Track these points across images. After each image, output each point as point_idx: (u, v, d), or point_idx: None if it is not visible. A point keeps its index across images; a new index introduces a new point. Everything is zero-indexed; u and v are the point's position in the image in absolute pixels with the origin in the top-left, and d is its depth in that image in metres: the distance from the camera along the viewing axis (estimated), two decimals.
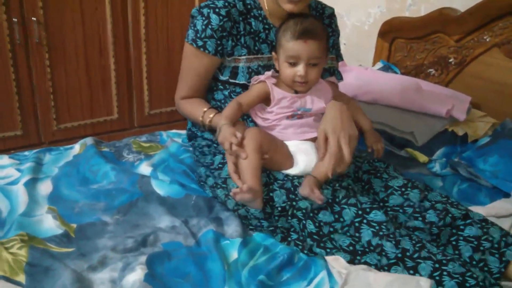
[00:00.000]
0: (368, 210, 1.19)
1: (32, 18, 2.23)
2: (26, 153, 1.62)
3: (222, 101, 1.49)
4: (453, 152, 1.80)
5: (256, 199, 1.23)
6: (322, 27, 1.36)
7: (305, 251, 1.22)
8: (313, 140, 1.37)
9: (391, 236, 1.14)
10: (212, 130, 1.46)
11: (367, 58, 2.55)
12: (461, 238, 1.21)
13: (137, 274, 1.09)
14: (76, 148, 1.66)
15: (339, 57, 1.65)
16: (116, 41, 2.50)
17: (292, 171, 1.32)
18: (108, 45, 2.49)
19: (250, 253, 1.20)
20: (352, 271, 1.12)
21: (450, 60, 2.17)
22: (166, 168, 1.56)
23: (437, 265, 1.08)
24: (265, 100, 1.40)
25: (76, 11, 2.34)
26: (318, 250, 1.20)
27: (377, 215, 1.18)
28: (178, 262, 1.16)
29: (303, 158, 1.33)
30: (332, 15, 1.60)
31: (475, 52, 2.08)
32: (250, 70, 1.43)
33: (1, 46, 2.21)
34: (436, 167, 1.71)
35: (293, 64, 1.33)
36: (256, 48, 1.44)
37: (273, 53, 1.40)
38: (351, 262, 1.17)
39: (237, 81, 1.44)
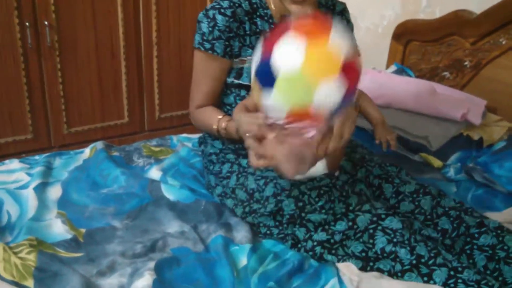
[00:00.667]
0: (383, 216, 1.17)
1: (44, 22, 2.24)
2: (37, 157, 1.62)
3: (233, 105, 1.46)
4: (468, 157, 1.77)
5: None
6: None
7: (316, 257, 1.19)
8: None
9: (406, 242, 1.12)
10: (227, 138, 1.43)
11: (381, 61, 2.52)
12: (476, 247, 1.18)
13: (145, 279, 1.07)
14: (86, 152, 1.65)
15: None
16: (127, 45, 2.50)
17: (312, 173, 1.27)
18: (120, 49, 2.49)
19: (259, 259, 1.18)
20: (363, 278, 1.10)
21: (466, 63, 2.14)
22: (176, 172, 1.55)
23: (452, 272, 1.06)
24: None
25: (88, 15, 2.35)
26: (329, 257, 1.18)
27: (392, 222, 1.15)
28: (187, 268, 1.14)
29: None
30: (343, 11, 1.56)
31: (491, 55, 2.05)
32: None
33: (13, 49, 2.22)
34: (451, 172, 1.68)
35: None
36: None
37: None
38: (363, 269, 1.15)
39: (241, 82, 1.41)
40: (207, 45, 1.39)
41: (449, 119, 1.85)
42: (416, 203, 1.28)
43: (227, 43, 1.38)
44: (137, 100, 2.65)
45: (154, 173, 1.53)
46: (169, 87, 2.70)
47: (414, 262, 1.09)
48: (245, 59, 1.41)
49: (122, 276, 1.11)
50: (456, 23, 2.12)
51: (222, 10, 1.36)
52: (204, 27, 1.39)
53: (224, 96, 1.49)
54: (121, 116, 2.63)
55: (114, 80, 2.53)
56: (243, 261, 1.18)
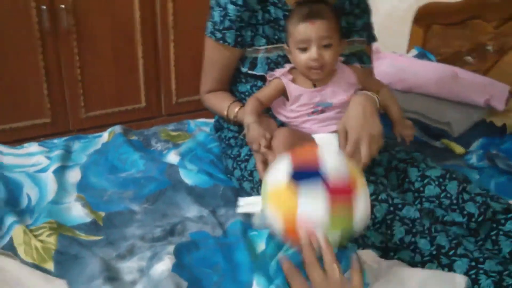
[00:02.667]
0: (400, 206, 1.15)
1: (61, 6, 2.24)
2: (55, 140, 1.63)
3: (246, 93, 1.44)
4: (491, 143, 1.74)
5: None
6: (330, 8, 1.28)
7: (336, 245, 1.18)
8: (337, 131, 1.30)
9: (426, 232, 1.10)
10: (238, 125, 1.44)
11: (401, 44, 2.47)
12: (501, 233, 1.16)
13: (165, 263, 1.07)
14: (105, 136, 1.65)
15: (371, 38, 1.57)
16: (144, 29, 2.48)
17: None
18: (136, 33, 2.48)
19: (278, 245, 1.17)
20: (384, 266, 1.08)
21: (488, 48, 2.09)
22: (194, 157, 1.55)
23: (473, 263, 1.04)
24: (285, 93, 1.33)
25: None
26: (349, 244, 1.17)
27: (409, 211, 1.14)
28: (205, 252, 1.14)
29: (328, 154, 1.26)
30: None
31: None
32: (269, 61, 1.38)
33: (30, 34, 2.22)
34: (473, 159, 1.65)
35: (305, 50, 1.26)
36: (276, 37, 1.38)
37: (284, 46, 1.34)
38: (383, 257, 1.14)
39: (255, 73, 1.39)
40: (218, 35, 1.37)
41: (472, 105, 1.82)
42: (443, 187, 1.26)
43: (238, 33, 1.36)
44: (154, 84, 2.64)
45: (172, 157, 1.53)
46: (186, 72, 2.68)
47: (434, 252, 1.08)
48: (259, 48, 1.38)
49: (141, 260, 1.11)
50: (479, 6, 2.08)
51: (234, 0, 1.34)
52: (216, 15, 1.37)
53: (240, 84, 1.47)
54: (138, 101, 2.63)
55: (131, 64, 2.52)
56: (261, 246, 1.17)
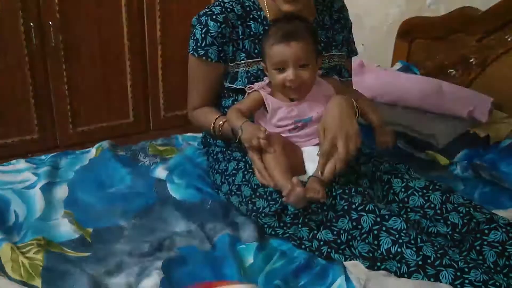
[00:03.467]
0: (387, 217, 1.16)
1: (49, 23, 2.24)
2: (43, 157, 1.63)
3: (228, 108, 1.45)
4: (475, 154, 1.76)
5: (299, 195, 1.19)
6: (306, 28, 1.29)
7: (323, 257, 1.19)
8: None
9: (412, 242, 1.11)
10: (224, 138, 1.45)
11: (386, 59, 2.51)
12: (485, 243, 1.16)
13: (153, 279, 1.08)
14: (93, 152, 1.66)
15: (351, 53, 1.59)
16: (132, 45, 2.50)
17: (302, 179, 1.28)
18: (124, 49, 2.49)
19: (266, 257, 1.18)
20: (371, 277, 1.09)
21: (471, 60, 2.13)
22: (182, 171, 1.55)
23: (458, 273, 1.05)
24: (265, 106, 1.34)
25: (93, 15, 2.35)
26: (336, 256, 1.18)
27: (396, 222, 1.15)
28: (194, 266, 1.14)
29: (311, 166, 1.28)
30: (341, 9, 1.53)
31: (497, 52, 2.04)
32: (249, 74, 1.40)
33: (18, 50, 2.22)
34: (458, 170, 1.67)
35: (281, 70, 1.27)
36: (256, 51, 1.40)
37: (262, 63, 1.36)
38: (370, 268, 1.14)
39: (234, 86, 1.41)
40: (201, 52, 1.39)
41: (456, 117, 1.84)
42: (426, 198, 1.27)
43: (220, 48, 1.38)
44: (142, 99, 2.64)
45: (160, 172, 1.53)
46: (174, 87, 2.69)
47: (420, 263, 1.09)
48: (239, 63, 1.40)
49: (129, 276, 1.11)
50: (461, 20, 2.12)
51: (214, 16, 1.36)
52: (198, 33, 1.39)
53: (223, 99, 1.48)
54: (126, 116, 2.63)
55: (119, 79, 2.53)
56: (249, 259, 1.18)
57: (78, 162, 1.60)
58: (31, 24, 2.20)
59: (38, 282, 1.07)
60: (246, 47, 1.39)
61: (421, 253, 1.09)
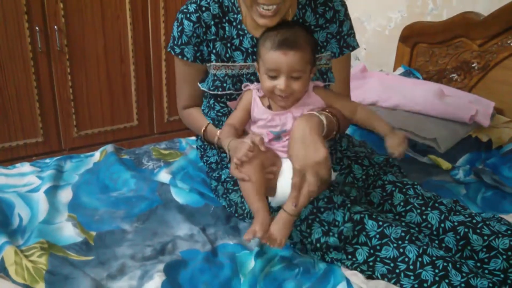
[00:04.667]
0: (378, 247, 1.14)
1: (54, 26, 2.26)
2: (47, 160, 1.64)
3: (205, 111, 1.46)
4: (477, 159, 1.76)
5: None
6: (306, 37, 1.23)
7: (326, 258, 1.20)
8: None
9: (411, 268, 1.10)
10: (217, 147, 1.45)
11: (388, 63, 2.51)
12: (486, 271, 1.14)
13: (155, 282, 1.09)
14: (97, 155, 1.67)
15: (345, 48, 1.43)
16: (136, 49, 2.51)
17: (272, 202, 1.26)
18: (129, 53, 2.51)
19: (266, 260, 1.19)
20: (371, 286, 1.10)
21: (473, 65, 2.13)
22: (185, 175, 1.56)
23: None
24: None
25: (97, 19, 2.37)
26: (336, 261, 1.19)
27: (388, 251, 1.13)
28: (195, 270, 1.15)
29: (283, 183, 1.24)
30: (328, 0, 1.38)
31: (499, 57, 2.04)
32: (215, 78, 1.37)
33: (23, 53, 2.24)
34: (460, 174, 1.67)
35: (273, 77, 1.22)
36: (228, 55, 1.36)
37: (255, 64, 1.31)
38: (370, 278, 1.15)
39: (200, 86, 1.41)
40: (177, 50, 1.38)
41: (458, 121, 1.84)
42: (424, 216, 1.25)
43: (196, 48, 1.36)
44: (146, 103, 2.66)
45: (164, 176, 1.54)
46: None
47: (416, 286, 1.09)
48: (209, 64, 1.38)
49: (132, 279, 1.12)
50: (464, 25, 2.12)
51: (188, 15, 1.33)
52: (174, 30, 1.37)
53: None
54: (130, 119, 2.64)
55: (123, 83, 2.55)
56: (250, 265, 1.18)
57: (82, 166, 1.61)
58: (36, 28, 2.22)
59: (41, 285, 1.08)
60: (217, 49, 1.35)
61: (418, 278, 1.09)
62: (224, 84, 1.36)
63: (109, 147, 1.68)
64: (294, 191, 1.18)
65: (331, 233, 1.18)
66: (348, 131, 1.73)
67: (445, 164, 1.72)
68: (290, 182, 1.20)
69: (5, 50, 2.20)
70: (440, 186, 1.59)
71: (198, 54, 1.37)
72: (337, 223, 1.18)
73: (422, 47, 2.32)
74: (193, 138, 1.86)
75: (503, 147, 1.81)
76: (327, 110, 1.28)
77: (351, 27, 1.44)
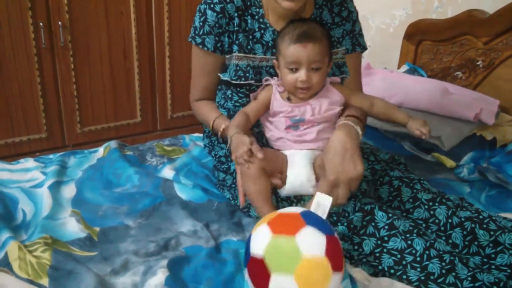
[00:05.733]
0: (386, 238, 1.15)
1: (58, 22, 2.27)
2: (51, 156, 1.64)
3: (220, 102, 1.46)
4: (482, 157, 1.76)
5: None
6: (322, 30, 1.29)
7: None
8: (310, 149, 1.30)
9: (418, 259, 1.10)
10: (224, 139, 1.45)
11: (392, 60, 2.51)
12: (493, 266, 1.15)
13: (158, 277, 1.09)
14: (100, 151, 1.67)
15: (357, 46, 1.49)
16: (140, 45, 2.51)
17: (282, 192, 1.28)
18: (132, 49, 2.51)
19: None
20: (374, 284, 1.10)
21: (478, 63, 2.12)
22: (189, 172, 1.56)
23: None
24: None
25: (101, 15, 2.37)
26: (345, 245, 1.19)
27: (396, 243, 1.14)
28: (199, 266, 1.15)
29: (292, 174, 1.26)
30: (343, 1, 1.45)
31: (504, 55, 2.03)
32: (237, 68, 1.39)
33: (27, 49, 2.24)
34: (464, 173, 1.66)
35: (295, 70, 1.26)
36: (249, 47, 1.39)
37: (274, 61, 1.34)
38: (374, 275, 1.15)
39: (222, 76, 1.41)
40: (198, 40, 1.40)
41: (462, 119, 1.83)
42: (431, 212, 1.26)
43: (217, 38, 1.38)
44: (150, 99, 2.66)
45: (167, 172, 1.54)
46: (181, 87, 2.71)
47: (422, 278, 1.08)
48: (232, 55, 1.39)
49: (135, 275, 1.12)
50: (469, 23, 2.11)
51: (212, 6, 1.36)
52: (196, 20, 1.40)
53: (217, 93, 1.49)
54: (133, 116, 2.65)
55: (126, 80, 2.55)
56: None
57: (86, 162, 1.61)
58: (40, 23, 2.22)
59: (45, 280, 1.08)
60: (240, 40, 1.38)
61: (425, 270, 1.09)
62: (247, 74, 1.38)
63: (113, 143, 1.68)
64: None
65: (339, 223, 1.20)
66: None
67: (449, 162, 1.71)
68: (300, 173, 1.24)
69: (9, 46, 2.20)
70: (444, 184, 1.59)
71: (218, 45, 1.39)
72: (346, 214, 1.20)
73: (427, 45, 2.31)
74: (197, 135, 1.87)
75: (508, 145, 1.80)
76: (353, 115, 1.30)
77: (361, 29, 1.52)
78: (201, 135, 1.86)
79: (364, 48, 1.52)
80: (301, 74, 1.25)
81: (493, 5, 2.05)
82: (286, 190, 1.27)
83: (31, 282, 1.08)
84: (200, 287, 1.09)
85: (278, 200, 1.30)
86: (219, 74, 1.43)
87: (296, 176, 1.26)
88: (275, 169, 1.26)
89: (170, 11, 2.52)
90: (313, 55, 1.24)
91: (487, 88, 2.09)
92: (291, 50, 1.25)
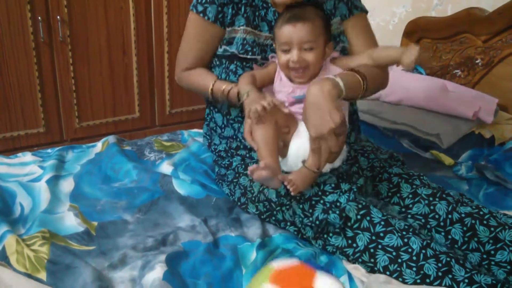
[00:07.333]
0: (382, 235, 1.14)
1: (57, 17, 2.26)
2: (49, 150, 1.64)
3: (222, 76, 1.44)
4: (480, 155, 1.76)
5: (274, 178, 1.19)
6: (315, 11, 1.27)
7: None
8: None
9: (414, 258, 1.09)
10: (223, 102, 1.43)
11: None
12: (493, 263, 1.15)
13: (156, 272, 1.08)
14: (99, 146, 1.66)
15: (354, 10, 1.44)
16: (139, 40, 2.51)
17: (285, 164, 1.28)
18: (131, 44, 2.50)
19: (268, 252, 1.18)
20: (372, 281, 1.10)
21: (477, 61, 2.12)
22: (187, 167, 1.56)
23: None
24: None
25: (100, 10, 2.36)
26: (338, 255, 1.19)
27: (392, 240, 1.12)
28: (196, 261, 1.15)
29: (294, 145, 1.27)
30: None
31: (503, 53, 2.03)
32: (245, 42, 1.38)
33: (25, 44, 2.24)
34: (462, 170, 1.67)
35: (287, 51, 1.26)
36: (255, 23, 1.39)
37: (274, 44, 1.33)
38: (371, 272, 1.15)
39: (227, 48, 1.39)
40: (200, 8, 1.39)
41: (461, 117, 1.84)
42: (431, 207, 1.25)
43: (219, 9, 1.37)
44: (148, 95, 2.66)
45: (165, 167, 1.54)
46: None
47: (418, 280, 1.08)
48: (238, 29, 1.38)
49: (133, 269, 1.12)
50: (468, 21, 2.11)
51: None
52: None
53: (213, 68, 1.47)
54: (132, 111, 2.64)
55: (125, 75, 2.54)
56: (252, 256, 1.18)
57: (84, 156, 1.61)
58: (39, 18, 2.22)
59: (43, 274, 1.08)
60: (247, 14, 1.38)
61: (421, 272, 1.08)
62: (254, 49, 1.37)
63: (111, 138, 1.68)
64: (314, 155, 1.19)
65: (331, 211, 1.18)
66: None
67: (448, 160, 1.72)
68: (303, 145, 1.23)
69: (7, 40, 2.20)
70: (442, 181, 1.59)
71: (220, 16, 1.38)
72: (338, 204, 1.18)
73: (426, 43, 2.31)
74: (196, 130, 1.86)
75: (506, 143, 1.81)
76: (349, 69, 1.28)
77: None
78: (200, 130, 1.86)
79: (362, 10, 1.47)
80: (293, 55, 1.24)
81: (493, 3, 2.05)
82: (289, 160, 1.27)
83: (28, 276, 1.08)
84: (198, 282, 1.08)
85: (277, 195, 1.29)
86: (223, 46, 1.40)
87: (298, 147, 1.26)
88: (285, 127, 1.26)
89: (169, 6, 2.51)
90: (303, 34, 1.23)
91: (486, 86, 2.10)
92: (282, 30, 1.26)
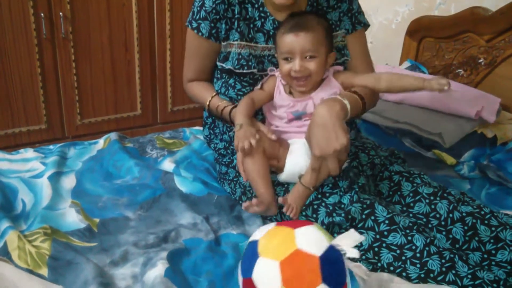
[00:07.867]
0: (386, 233, 1.14)
1: (59, 13, 2.26)
2: (51, 146, 1.64)
3: (219, 91, 1.46)
4: (482, 154, 1.76)
5: (270, 208, 1.23)
6: (318, 20, 1.28)
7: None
8: None
9: (418, 256, 1.10)
10: (220, 117, 1.45)
11: (394, 57, 2.50)
12: (493, 263, 1.15)
13: (158, 269, 1.08)
14: (100, 143, 1.66)
15: (357, 25, 1.45)
16: (141, 38, 2.51)
17: (280, 178, 1.30)
18: (133, 42, 2.50)
19: None
20: (374, 279, 1.10)
21: (480, 61, 2.12)
22: (189, 165, 1.56)
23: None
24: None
25: (102, 7, 2.36)
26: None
27: (396, 238, 1.13)
28: (198, 258, 1.15)
29: (289, 161, 1.28)
30: None
31: (506, 53, 2.03)
32: (240, 56, 1.38)
33: (27, 40, 2.24)
34: (464, 170, 1.66)
35: (289, 60, 1.26)
36: (250, 36, 1.38)
37: (276, 54, 1.34)
38: (373, 270, 1.14)
39: (223, 65, 1.40)
40: (194, 24, 1.40)
41: (463, 116, 1.83)
42: (432, 206, 1.25)
43: (212, 24, 1.38)
44: (150, 92, 2.66)
45: (167, 165, 1.54)
46: (182, 80, 2.69)
47: (422, 275, 1.08)
48: (232, 43, 1.39)
49: (134, 266, 1.12)
50: (472, 20, 2.10)
51: None
52: (195, 5, 1.40)
53: (215, 81, 1.48)
54: (134, 108, 2.64)
55: (127, 72, 2.54)
56: None
57: (86, 153, 1.61)
58: (41, 14, 2.22)
59: (44, 270, 1.08)
60: (241, 28, 1.38)
61: (425, 267, 1.08)
62: (250, 63, 1.38)
63: (113, 135, 1.68)
64: (313, 173, 1.21)
65: (335, 214, 1.19)
66: None
67: (450, 159, 1.72)
68: (298, 162, 1.26)
69: (10, 36, 2.20)
70: (444, 181, 1.59)
71: (213, 31, 1.39)
72: (342, 205, 1.19)
73: (429, 42, 2.30)
74: (198, 128, 1.86)
75: (508, 143, 1.80)
76: (351, 90, 1.29)
77: (360, 7, 1.49)
78: (201, 128, 1.86)
79: (365, 25, 1.48)
80: (295, 64, 1.25)
81: (496, 3, 2.05)
82: (284, 176, 1.29)
83: (30, 272, 1.08)
84: (199, 280, 1.09)
85: (274, 184, 1.30)
86: (220, 63, 1.42)
87: (295, 164, 1.27)
88: (274, 153, 1.28)
89: (171, 3, 2.51)
90: (305, 43, 1.24)
91: (488, 86, 2.09)
92: (283, 39, 1.26)
